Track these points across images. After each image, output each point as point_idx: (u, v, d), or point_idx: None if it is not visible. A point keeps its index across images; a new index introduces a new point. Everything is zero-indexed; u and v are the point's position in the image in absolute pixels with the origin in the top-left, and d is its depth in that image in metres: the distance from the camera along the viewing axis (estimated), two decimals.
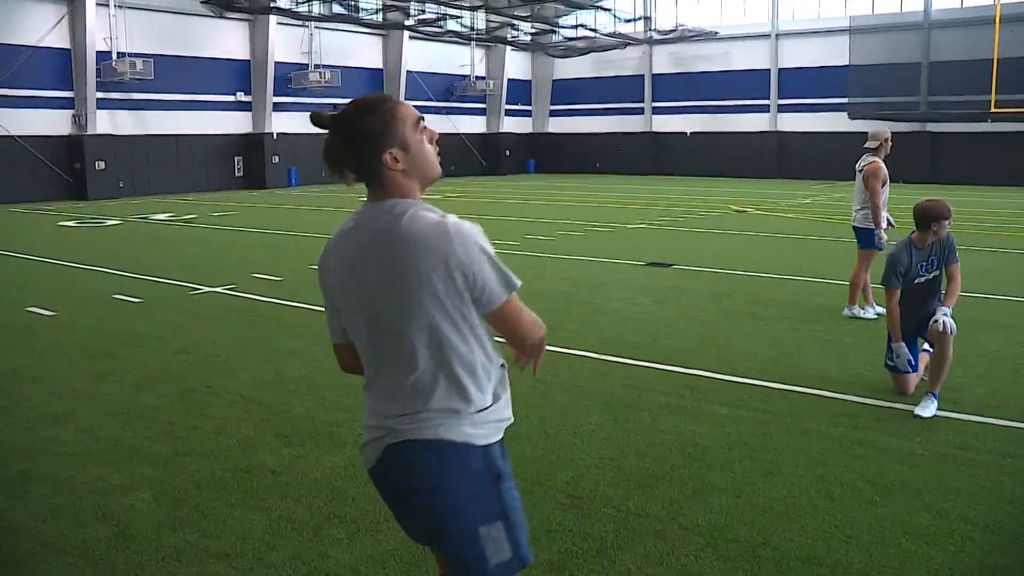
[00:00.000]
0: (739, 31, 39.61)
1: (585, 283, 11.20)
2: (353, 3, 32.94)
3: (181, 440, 5.51)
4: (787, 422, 5.71)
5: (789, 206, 23.29)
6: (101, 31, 28.93)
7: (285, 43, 34.41)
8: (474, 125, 43.95)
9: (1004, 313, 9.14)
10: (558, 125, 46.57)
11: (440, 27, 36.07)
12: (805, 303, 9.78)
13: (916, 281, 6.29)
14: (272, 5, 29.91)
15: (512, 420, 2.48)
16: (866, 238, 9.04)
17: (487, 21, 38.61)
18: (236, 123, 33.64)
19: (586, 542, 4.06)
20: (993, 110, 31.98)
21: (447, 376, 2.30)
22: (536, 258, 13.60)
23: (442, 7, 34.01)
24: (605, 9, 36.53)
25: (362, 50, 37.97)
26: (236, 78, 33.44)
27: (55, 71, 28.38)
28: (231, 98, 33.35)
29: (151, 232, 18.72)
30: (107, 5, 29.11)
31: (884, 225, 9.05)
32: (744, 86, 39.86)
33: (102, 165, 29.15)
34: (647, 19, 39.43)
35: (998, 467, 4.92)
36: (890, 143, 9.10)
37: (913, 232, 6.36)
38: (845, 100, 36.25)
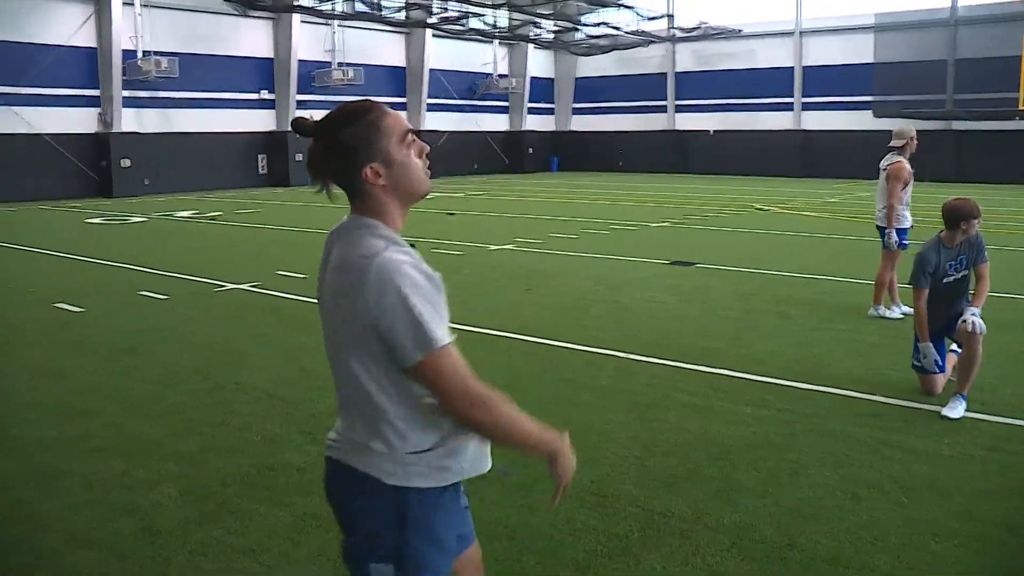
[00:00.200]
0: (763, 28, 39.36)
1: (609, 281, 11.17)
2: (376, 1, 32.98)
3: (206, 436, 5.55)
4: (812, 422, 5.68)
5: (813, 205, 23.15)
6: (127, 30, 29.14)
7: (308, 41, 34.52)
8: (497, 123, 43.93)
9: None
10: (581, 123, 46.47)
11: (463, 25, 36.05)
12: (830, 302, 9.72)
13: (944, 281, 6.23)
14: (296, 3, 29.99)
15: (469, 472, 2.27)
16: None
17: (510, 19, 38.52)
18: (260, 121, 33.79)
19: (611, 541, 4.05)
20: (1021, 107, 31.63)
21: (373, 413, 2.15)
22: (560, 256, 13.58)
23: (465, 5, 34.00)
24: (628, 7, 36.35)
25: (385, 48, 38.05)
26: (260, 76, 33.59)
27: (82, 70, 28.64)
28: (255, 96, 33.50)
29: (176, 229, 18.84)
30: (132, 4, 29.30)
31: (907, 226, 9.01)
32: (768, 84, 39.61)
33: (127, 163, 29.36)
34: (670, 17, 39.25)
35: None
36: (915, 142, 9.02)
37: (941, 231, 6.30)
38: (870, 98, 35.97)
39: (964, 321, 5.87)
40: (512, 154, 44.13)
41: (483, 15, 36.27)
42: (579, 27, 39.13)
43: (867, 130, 34.46)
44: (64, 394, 6.55)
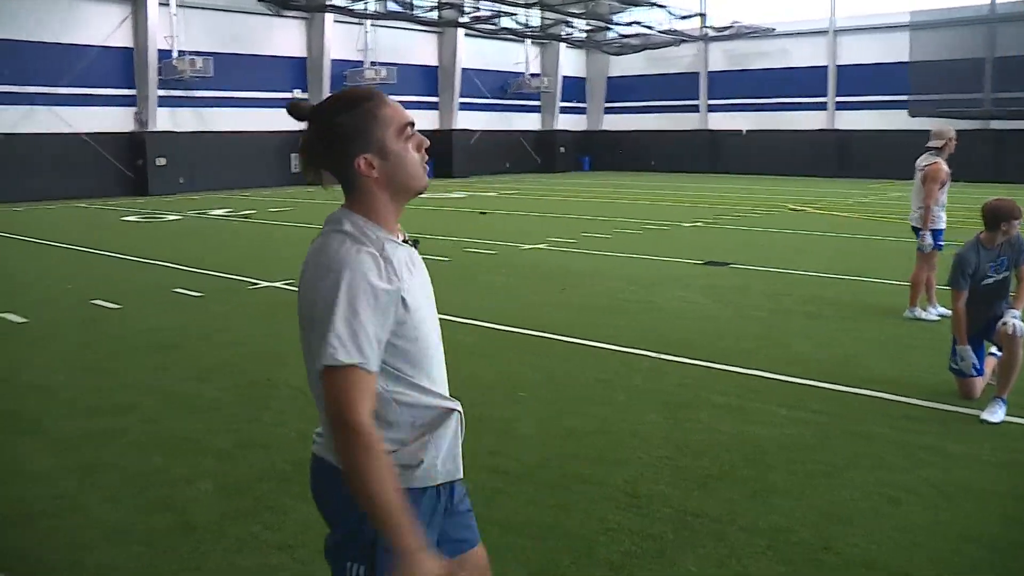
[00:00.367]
0: (796, 27, 39.06)
1: (642, 281, 11.14)
2: (409, 1, 33.10)
3: (242, 432, 5.59)
4: (847, 424, 5.63)
5: (846, 205, 22.94)
6: (163, 30, 29.46)
7: (341, 41, 34.70)
8: (529, 122, 43.92)
9: None
10: (612, 122, 46.35)
11: (495, 24, 36.07)
12: (864, 303, 9.63)
13: (984, 282, 6.16)
14: (328, 3, 30.16)
15: (441, 476, 2.17)
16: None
17: (542, 18, 38.50)
18: (293, 120, 33.89)
19: (645, 542, 4.04)
20: None
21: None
22: (593, 256, 13.56)
23: (497, 4, 34.02)
24: (660, 6, 36.20)
25: (417, 47, 38.17)
26: (293, 76, 33.82)
27: (119, 70, 29.00)
28: (288, 95, 33.71)
29: (210, 227, 19.02)
30: (168, 5, 29.62)
31: (942, 227, 8.92)
32: (801, 83, 39.31)
33: (163, 161, 29.68)
34: (702, 16, 39.02)
35: None
36: (954, 142, 8.92)
37: (981, 232, 6.23)
38: (905, 97, 35.58)
39: (1004, 324, 5.79)
40: (544, 153, 44.10)
41: (515, 14, 36.24)
42: (611, 26, 39.02)
43: (902, 130, 34.11)
44: (103, 389, 6.64)
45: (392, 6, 33.27)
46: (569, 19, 37.17)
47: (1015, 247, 6.19)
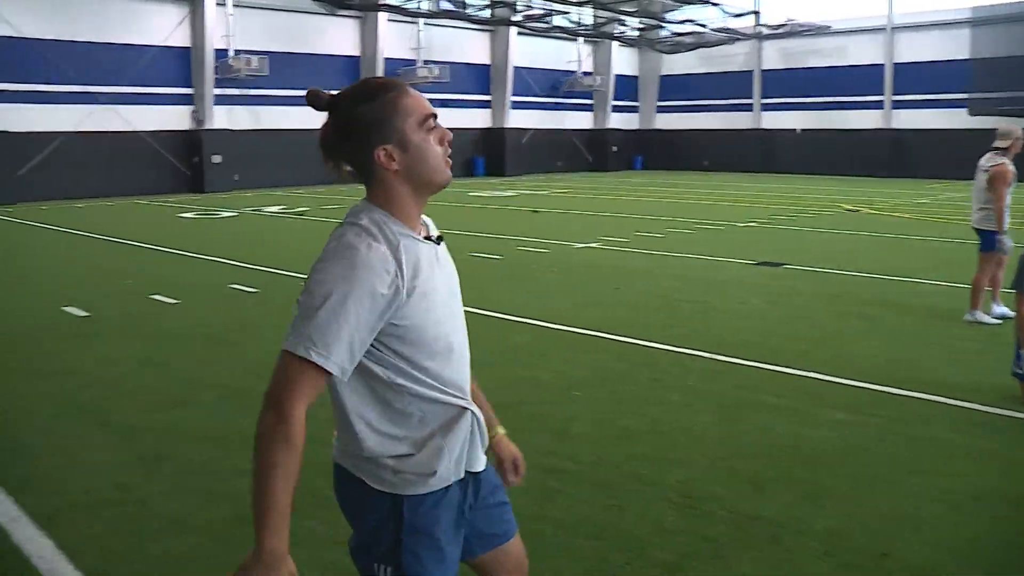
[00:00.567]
0: (852, 25, 38.48)
1: (695, 281, 11.07)
2: None
3: None
4: (906, 429, 5.54)
5: (903, 205, 22.56)
6: (219, 30, 29.91)
7: (395, 39, 34.93)
8: (581, 121, 43.83)
9: None
10: (665, 121, 46.08)
11: (547, 23, 36.05)
12: (923, 306, 9.47)
13: None
14: (382, 2, 30.38)
15: (457, 473, 2.11)
16: (988, 240, 8.68)
17: (594, 16, 38.40)
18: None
19: (701, 544, 4.02)
20: None
21: (344, 413, 2.06)
22: (646, 255, 13.50)
23: (549, 3, 34.00)
24: (714, 4, 35.94)
25: (470, 46, 38.28)
26: (347, 74, 34.09)
27: (176, 69, 29.50)
28: None
29: (264, 224, 19.27)
30: (225, 5, 30.06)
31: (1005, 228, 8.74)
32: (857, 82, 38.72)
33: (218, 159, 30.12)
34: (756, 14, 38.66)
35: None
36: (1021, 142, 8.72)
37: None
38: (965, 96, 34.88)
39: None
40: (596, 152, 43.99)
41: (568, 12, 36.20)
42: (664, 24, 38.81)
43: (961, 128, 33.50)
44: (162, 382, 6.77)
45: (445, 5, 33.43)
46: (622, 17, 37.04)
47: None
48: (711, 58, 42.06)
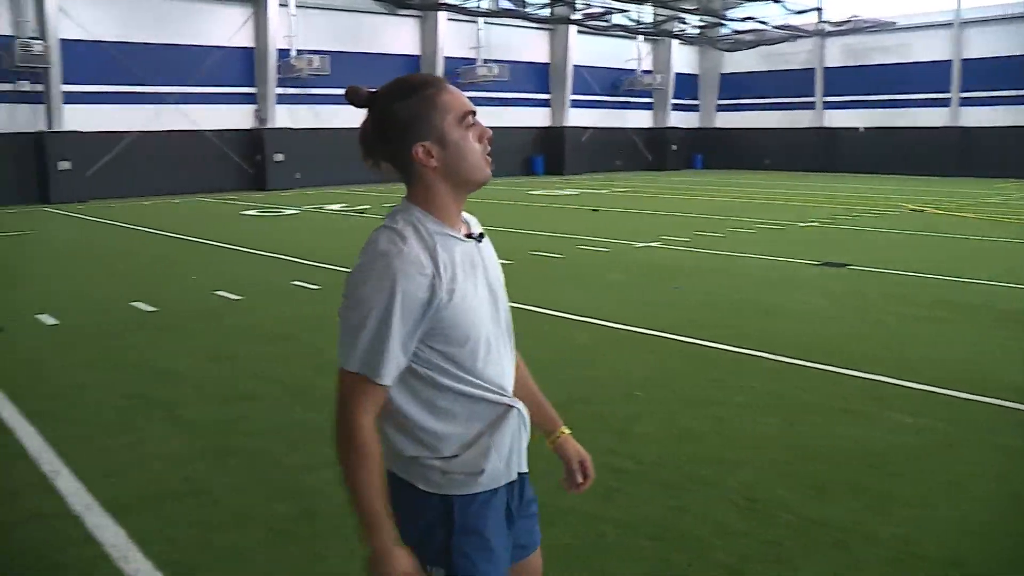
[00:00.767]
0: (918, 20, 37.69)
1: (757, 281, 10.95)
2: None
3: None
4: (977, 435, 5.42)
5: (972, 205, 22.06)
6: (282, 30, 30.33)
7: (454, 39, 35.08)
8: (640, 119, 43.60)
9: None
10: (725, 120, 45.65)
11: (607, 21, 35.92)
12: (993, 308, 9.25)
13: None
14: (442, 2, 30.53)
15: (505, 476, 2.11)
16: None
17: (654, 14, 38.13)
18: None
19: (764, 547, 3.97)
20: None
21: (389, 416, 2.05)
22: (707, 255, 13.39)
23: (609, 1, 33.87)
24: (775, 1, 35.48)
25: (529, 44, 38.30)
26: (407, 73, 34.33)
27: (240, 69, 29.99)
28: None
29: (326, 222, 19.49)
30: (287, 5, 30.46)
31: None
32: (923, 79, 37.91)
33: (280, 157, 30.54)
34: (819, 10, 38.02)
35: None
36: None
37: None
38: None
39: None
40: (655, 151, 43.73)
41: (627, 11, 36.03)
42: (724, 22, 38.43)
43: None
44: (227, 377, 6.88)
45: (505, 4, 33.47)
46: (682, 15, 36.75)
47: None
48: (772, 56, 41.53)
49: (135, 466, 5.03)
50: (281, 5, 30.16)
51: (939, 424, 5.59)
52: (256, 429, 5.64)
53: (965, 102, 37.06)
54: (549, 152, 39.01)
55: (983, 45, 36.27)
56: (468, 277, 2.01)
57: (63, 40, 25.63)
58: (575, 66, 39.05)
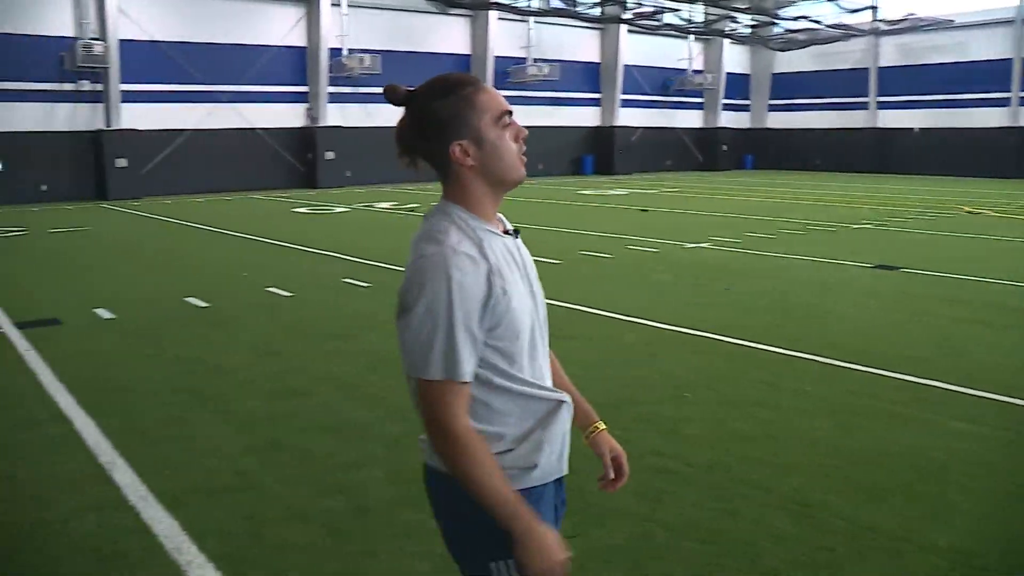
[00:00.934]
0: (977, 18, 36.93)
1: (808, 283, 10.82)
2: None
3: (410, 422, 5.70)
4: None
5: None
6: (334, 29, 30.62)
7: (505, 38, 35.14)
8: (691, 119, 43.33)
9: None
10: (777, 120, 45.18)
11: (658, 20, 35.74)
12: None
13: None
14: (492, 1, 30.59)
15: (557, 470, 2.12)
16: None
17: (705, 14, 37.86)
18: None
19: (815, 553, 3.92)
20: None
21: None
22: (757, 256, 13.26)
23: (660, 0, 33.69)
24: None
25: (580, 44, 38.24)
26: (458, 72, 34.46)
27: (292, 68, 30.34)
28: None
29: (376, 220, 19.62)
30: (339, 5, 30.73)
31: None
32: (981, 78, 37.16)
33: (331, 155, 30.83)
34: (874, 9, 37.45)
35: None
36: None
37: None
38: None
39: None
40: (706, 151, 43.44)
41: (678, 10, 35.81)
42: (777, 21, 38.02)
43: None
44: (278, 373, 6.96)
45: (555, 3, 33.43)
46: (734, 14, 36.42)
47: None
48: (825, 55, 41.00)
49: (188, 459, 5.11)
50: (333, 4, 30.44)
51: (998, 432, 5.48)
52: (306, 425, 5.69)
53: None
54: (599, 152, 38.93)
55: None
56: (512, 272, 2.02)
57: (122, 40, 26.12)
58: (625, 66, 38.92)
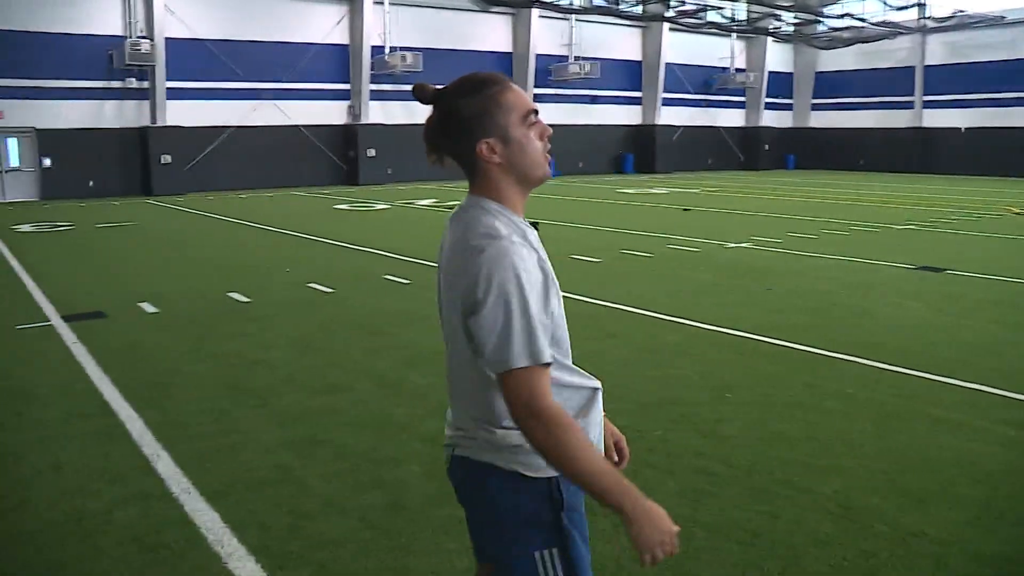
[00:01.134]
0: None
1: (851, 285, 10.69)
2: None
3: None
4: None
5: None
6: (376, 27, 30.78)
7: (546, 35, 35.13)
8: (733, 118, 43.04)
9: None
10: (820, 119, 44.71)
11: (700, 18, 35.55)
12: None
13: None
14: None
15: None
16: None
17: (748, 12, 37.59)
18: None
19: (859, 558, 3.87)
20: None
21: (487, 405, 2.03)
22: (800, 256, 13.13)
23: None
24: None
25: (621, 42, 38.11)
26: (499, 70, 33.55)
27: (335, 66, 30.57)
28: None
29: (417, 217, 19.69)
30: (382, 3, 30.89)
31: None
32: None
33: (372, 152, 31.00)
34: (921, 6, 36.92)
35: None
36: None
37: None
38: None
39: None
40: (747, 150, 43.12)
41: (721, 8, 35.58)
42: (821, 19, 37.63)
43: None
44: (320, 368, 7.01)
45: (597, 1, 33.35)
46: (777, 12, 36.11)
47: None
48: (870, 54, 40.50)
49: (229, 453, 5.15)
50: (376, 3, 30.62)
51: None
52: (345, 421, 5.72)
53: None
54: (640, 150, 38.78)
55: None
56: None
57: (168, 39, 26.47)
58: (667, 64, 38.73)
